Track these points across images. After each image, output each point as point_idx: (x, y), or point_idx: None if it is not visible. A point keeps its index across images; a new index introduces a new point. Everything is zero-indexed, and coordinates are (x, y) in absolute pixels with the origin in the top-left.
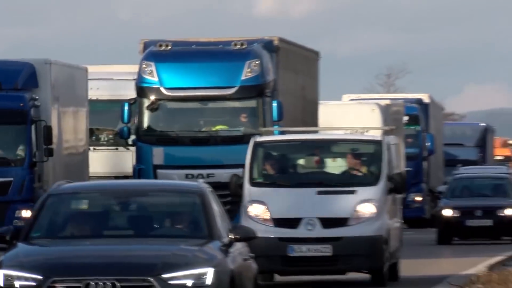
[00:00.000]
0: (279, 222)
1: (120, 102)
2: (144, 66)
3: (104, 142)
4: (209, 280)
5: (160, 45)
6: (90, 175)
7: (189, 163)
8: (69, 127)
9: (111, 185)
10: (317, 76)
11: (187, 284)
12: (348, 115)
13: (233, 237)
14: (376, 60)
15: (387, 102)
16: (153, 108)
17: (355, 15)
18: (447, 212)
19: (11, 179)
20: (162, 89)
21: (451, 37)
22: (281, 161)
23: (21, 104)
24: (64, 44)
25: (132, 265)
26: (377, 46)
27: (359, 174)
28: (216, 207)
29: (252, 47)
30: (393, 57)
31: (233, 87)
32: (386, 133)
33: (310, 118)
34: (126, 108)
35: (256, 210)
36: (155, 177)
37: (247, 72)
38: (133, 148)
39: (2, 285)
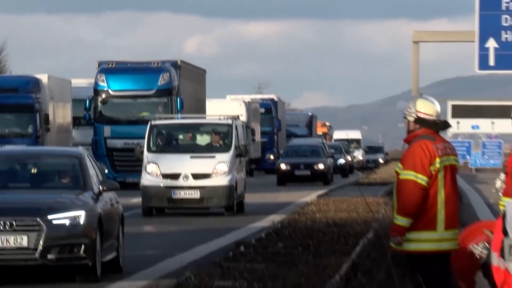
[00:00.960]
0: (166, 176)
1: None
2: (98, 76)
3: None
4: (82, 221)
5: (108, 64)
6: (73, 143)
7: (126, 135)
8: (59, 115)
9: (15, 150)
10: (205, 84)
11: (65, 223)
12: (225, 108)
13: (102, 188)
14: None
15: (249, 100)
16: (103, 102)
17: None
18: (283, 166)
19: (25, 145)
20: (109, 90)
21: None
22: (168, 136)
23: (30, 101)
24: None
25: (25, 209)
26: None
27: (218, 145)
28: (91, 167)
29: (164, 65)
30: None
31: (153, 89)
32: (234, 118)
33: (200, 110)
34: (87, 102)
35: (152, 168)
36: (105, 144)
37: (161, 80)
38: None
39: None
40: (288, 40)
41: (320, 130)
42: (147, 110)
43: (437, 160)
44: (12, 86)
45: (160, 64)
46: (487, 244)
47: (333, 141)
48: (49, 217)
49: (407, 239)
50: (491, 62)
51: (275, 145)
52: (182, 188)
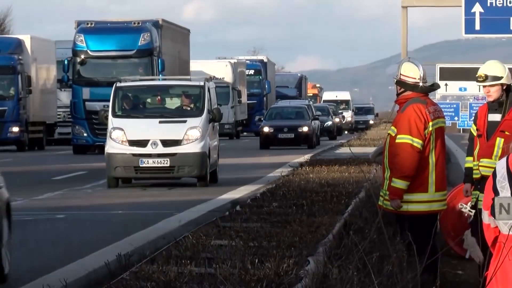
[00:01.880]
0: (133, 143)
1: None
2: (77, 36)
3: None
4: None
5: (87, 23)
6: (59, 104)
7: (105, 98)
8: (42, 77)
9: None
10: (188, 44)
11: None
12: (210, 69)
13: None
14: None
15: (235, 61)
16: (82, 63)
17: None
18: (266, 129)
19: (6, 108)
20: (88, 51)
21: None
22: (134, 100)
23: (12, 62)
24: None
25: None
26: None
27: (189, 109)
28: None
29: (145, 25)
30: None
31: (133, 50)
32: (207, 80)
33: (184, 71)
34: (66, 63)
35: (117, 135)
36: (84, 107)
37: (142, 40)
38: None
39: None
40: (283, 6)
41: (310, 92)
42: (127, 71)
43: (430, 123)
44: None
45: (140, 24)
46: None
47: (321, 102)
48: None
49: None
50: (477, 26)
51: (264, 107)
52: (150, 156)
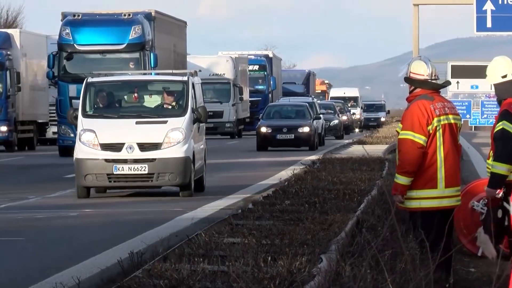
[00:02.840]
0: (105, 147)
1: None
2: (63, 29)
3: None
4: None
5: (74, 15)
6: (51, 102)
7: None
8: (33, 73)
9: None
10: (185, 37)
11: None
12: (211, 65)
13: None
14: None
15: (237, 55)
16: (68, 58)
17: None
18: (263, 129)
19: None
20: (75, 45)
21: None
22: (108, 97)
23: (0, 58)
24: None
25: None
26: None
27: (170, 107)
28: None
29: (136, 17)
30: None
31: (123, 43)
32: (191, 74)
33: (180, 66)
34: (51, 58)
35: (87, 137)
36: (71, 105)
37: (133, 34)
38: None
39: None
40: (295, 3)
41: (319, 88)
42: (117, 66)
43: (435, 119)
44: None
45: (131, 16)
46: (487, 201)
47: (329, 99)
48: None
49: (409, 197)
50: (489, 23)
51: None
52: (125, 161)
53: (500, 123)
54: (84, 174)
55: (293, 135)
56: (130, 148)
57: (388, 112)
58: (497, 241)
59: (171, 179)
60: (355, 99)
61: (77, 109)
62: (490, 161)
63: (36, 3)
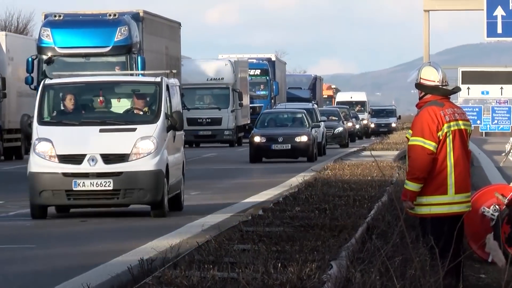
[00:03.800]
0: (63, 159)
1: None
2: (43, 31)
3: None
4: None
5: (55, 16)
6: None
7: None
8: (20, 78)
9: None
10: (179, 40)
11: None
12: (210, 68)
13: None
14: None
15: (236, 59)
16: (49, 62)
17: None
18: (257, 139)
19: None
20: (56, 48)
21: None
22: (68, 102)
23: None
24: None
25: None
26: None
27: (141, 113)
28: None
29: (122, 17)
30: (277, 45)
31: (108, 46)
32: (166, 75)
33: (173, 69)
34: (29, 62)
35: (43, 148)
36: None
37: (119, 35)
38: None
39: None
40: (306, 9)
41: (325, 93)
42: (102, 71)
43: (445, 125)
44: None
45: (117, 16)
46: (498, 207)
47: (335, 104)
48: None
49: (419, 203)
50: (499, 29)
51: None
52: (87, 176)
53: None
54: (39, 191)
55: (289, 145)
56: (93, 160)
57: (399, 117)
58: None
59: (140, 196)
60: (362, 103)
61: (31, 116)
62: None
63: (47, 9)
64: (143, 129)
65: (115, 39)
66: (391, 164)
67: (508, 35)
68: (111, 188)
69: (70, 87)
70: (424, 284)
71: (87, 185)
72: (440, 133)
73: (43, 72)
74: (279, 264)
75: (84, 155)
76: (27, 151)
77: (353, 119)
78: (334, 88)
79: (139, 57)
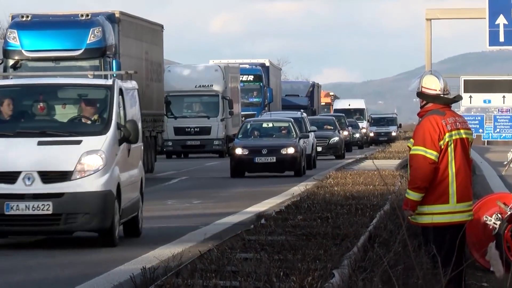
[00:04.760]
0: None
1: None
2: (9, 33)
3: None
4: None
5: (22, 17)
6: None
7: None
8: None
9: None
10: (162, 43)
11: None
12: (198, 74)
13: None
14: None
15: (226, 65)
16: (16, 66)
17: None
18: (239, 151)
19: None
20: (23, 51)
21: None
22: (2, 108)
23: None
24: None
25: None
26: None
27: (88, 122)
28: None
29: (95, 18)
30: (280, 53)
31: (80, 49)
32: (120, 77)
33: (155, 75)
34: None
35: None
36: None
37: (91, 37)
38: None
39: None
40: (309, 18)
41: (323, 101)
42: (74, 76)
43: (447, 134)
44: None
45: (90, 17)
46: (500, 216)
47: (333, 111)
48: None
49: (421, 213)
50: (501, 38)
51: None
52: (22, 197)
53: None
54: None
55: (274, 157)
56: (29, 178)
57: (400, 126)
58: None
59: (85, 222)
60: (361, 111)
61: None
62: None
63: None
64: (89, 142)
65: (88, 42)
66: (393, 173)
67: (510, 44)
68: (50, 212)
69: (6, 90)
70: None
71: (21, 208)
72: (441, 142)
73: (10, 79)
74: (281, 273)
75: (19, 173)
76: None
77: (349, 127)
78: (333, 95)
79: (114, 61)
